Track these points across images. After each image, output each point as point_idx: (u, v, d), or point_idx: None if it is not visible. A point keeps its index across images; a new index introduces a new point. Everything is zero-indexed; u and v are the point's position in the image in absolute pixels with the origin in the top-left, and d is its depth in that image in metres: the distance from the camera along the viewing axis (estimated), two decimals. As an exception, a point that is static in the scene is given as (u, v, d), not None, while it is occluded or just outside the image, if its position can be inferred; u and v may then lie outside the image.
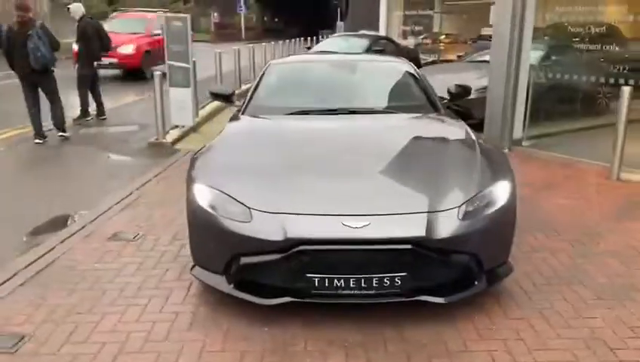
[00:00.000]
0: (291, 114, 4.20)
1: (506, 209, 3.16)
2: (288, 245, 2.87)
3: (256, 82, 4.70)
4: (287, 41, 20.13)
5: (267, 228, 2.93)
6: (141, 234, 4.38)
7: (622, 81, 8.65)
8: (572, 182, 5.78)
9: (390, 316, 3.09)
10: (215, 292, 3.31)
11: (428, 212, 2.95)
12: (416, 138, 3.81)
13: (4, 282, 3.57)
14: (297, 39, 22.58)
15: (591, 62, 9.71)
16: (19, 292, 3.45)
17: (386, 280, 2.89)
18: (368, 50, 12.34)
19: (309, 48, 14.05)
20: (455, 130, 3.87)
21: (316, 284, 2.91)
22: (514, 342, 2.90)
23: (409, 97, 4.52)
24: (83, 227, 4.55)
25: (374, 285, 2.90)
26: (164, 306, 3.28)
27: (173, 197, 5.26)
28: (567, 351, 2.81)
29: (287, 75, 4.91)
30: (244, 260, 3.04)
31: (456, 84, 4.70)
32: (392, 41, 13.81)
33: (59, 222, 4.89)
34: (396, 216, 2.94)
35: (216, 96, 4.83)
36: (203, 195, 3.21)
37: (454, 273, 3.07)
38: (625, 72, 9.16)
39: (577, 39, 10.55)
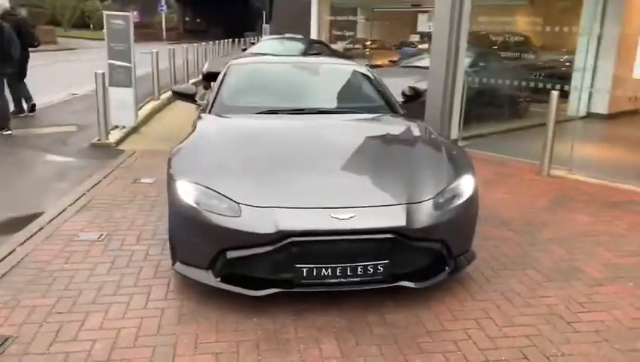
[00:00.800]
0: (260, 113, 4.31)
1: (470, 200, 3.45)
2: (279, 237, 2.99)
3: (219, 82, 4.76)
4: (218, 42, 19.96)
5: (258, 222, 3.04)
6: (105, 234, 4.32)
7: (539, 85, 9.46)
8: (508, 178, 6.26)
9: (370, 302, 3.29)
10: (196, 287, 3.38)
11: (406, 203, 3.18)
12: (386, 136, 4.06)
13: (-31, 286, 3.45)
14: (227, 40, 22.42)
15: (512, 68, 10.50)
16: (-14, 297, 3.34)
17: (369, 268, 3.09)
18: (304, 54, 12.54)
19: (244, 50, 14.05)
20: (418, 128, 4.15)
21: (304, 274, 3.06)
22: (484, 320, 3.19)
23: (370, 98, 4.76)
24: (41, 228, 4.43)
25: (359, 273, 3.09)
26: (148, 303, 3.30)
27: (127, 197, 5.23)
28: (531, 326, 3.13)
29: (250, 76, 5.00)
30: (231, 254, 3.13)
31: (409, 87, 5.00)
32: (326, 45, 14.14)
33: (13, 225, 4.70)
34: (378, 207, 3.15)
35: (179, 95, 4.84)
36: (187, 192, 3.26)
37: (428, 259, 3.32)
38: (540, 77, 9.99)
39: (499, 47, 11.36)
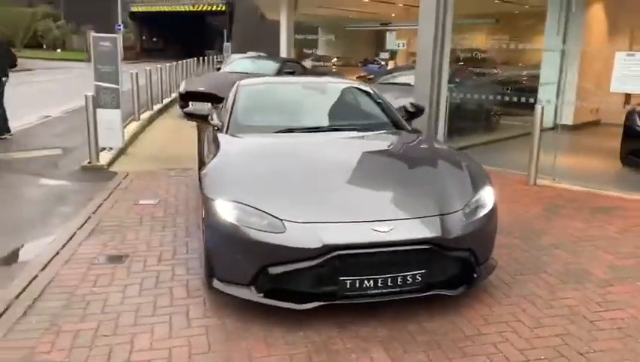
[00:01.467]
0: (278, 132, 4.43)
1: (493, 210, 3.66)
2: (324, 251, 3.11)
3: (231, 102, 4.83)
4: (184, 61, 19.90)
5: (302, 237, 3.15)
6: (125, 257, 4.32)
7: (510, 99, 9.93)
8: (499, 189, 6.48)
9: (405, 312, 3.43)
10: (234, 305, 3.45)
11: (440, 215, 3.36)
12: (406, 150, 4.25)
13: (2, 314, 3.41)
14: (192, 60, 22.37)
15: (483, 84, 10.97)
16: (25, 323, 3.31)
17: (408, 278, 3.24)
18: (280, 72, 12.71)
19: (218, 69, 14.09)
20: (433, 142, 4.35)
21: (348, 286, 3.18)
22: (514, 323, 3.38)
23: (378, 115, 4.95)
24: (57, 253, 4.38)
25: (398, 283, 3.24)
26: (190, 321, 3.34)
27: (135, 219, 5.23)
28: (559, 326, 3.34)
29: (260, 96, 5.11)
30: (273, 270, 3.22)
31: (411, 103, 5.22)
32: (299, 63, 14.34)
33: (25, 250, 4.64)
34: (415, 219, 3.31)
35: (192, 116, 4.91)
36: (227, 211, 3.34)
37: (458, 268, 3.50)
38: (509, 92, 10.48)
39: (471, 64, 11.86)
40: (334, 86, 5.55)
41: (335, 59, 20.20)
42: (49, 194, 6.22)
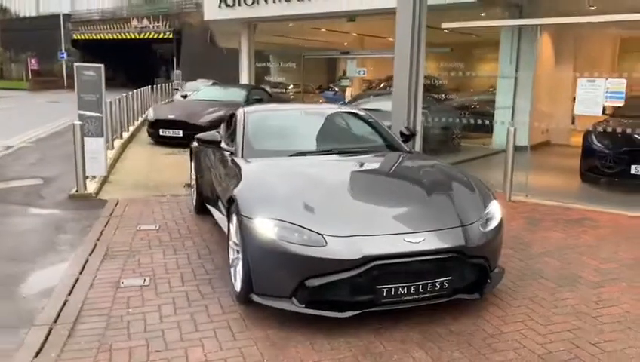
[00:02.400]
0: (293, 155, 4.70)
1: (501, 221, 4.06)
2: (363, 262, 3.40)
3: (241, 129, 5.04)
4: (144, 89, 19.79)
5: (343, 250, 3.43)
6: (148, 279, 4.44)
7: (466, 123, 10.62)
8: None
9: (430, 316, 3.73)
10: (272, 317, 3.67)
11: (462, 226, 3.72)
12: (419, 168, 4.62)
13: (47, 338, 3.48)
14: (150, 87, 22.24)
15: (446, 109, 11.64)
16: (74, 343, 3.40)
17: (437, 284, 3.56)
18: (248, 99, 12.98)
19: (184, 97, 14.20)
20: (437, 163, 4.74)
21: (384, 294, 3.47)
22: (529, 321, 3.75)
23: (379, 138, 5.31)
24: (77, 279, 4.45)
25: (429, 289, 3.55)
26: (235, 335, 3.53)
27: (143, 244, 5.34)
28: (567, 323, 3.74)
29: (268, 123, 5.36)
30: (313, 281, 3.47)
31: (406, 127, 5.63)
32: (265, 90, 14.65)
33: (41, 276, 4.67)
34: (442, 230, 3.65)
35: (205, 142, 5.09)
36: (268, 228, 3.57)
37: (475, 274, 3.85)
38: (468, 115, 11.19)
39: (433, 91, 12.57)
40: (334, 112, 5.89)
41: (292, 86, 20.63)
42: (45, 223, 6.18)
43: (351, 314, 3.46)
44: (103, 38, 51.96)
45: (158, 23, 49.30)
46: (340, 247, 3.44)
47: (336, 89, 24.81)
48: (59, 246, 5.42)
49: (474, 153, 11.49)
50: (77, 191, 7.27)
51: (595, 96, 6.73)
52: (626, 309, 3.96)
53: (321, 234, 3.49)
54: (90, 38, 52.68)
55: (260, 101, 13.29)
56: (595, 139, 8.16)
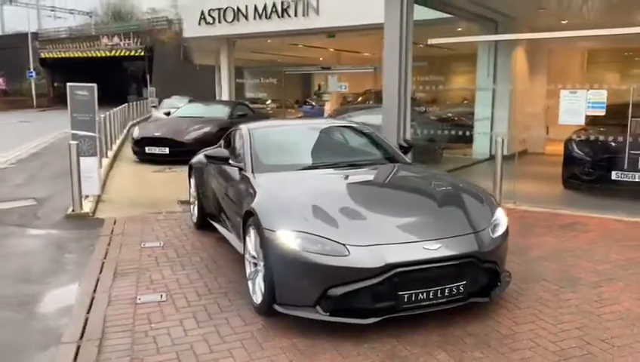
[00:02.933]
0: (304, 169, 4.84)
1: (507, 228, 4.26)
2: (386, 270, 3.54)
3: (248, 145, 5.15)
4: (122, 107, 19.69)
5: (366, 259, 3.57)
6: (164, 295, 4.50)
7: (447, 133, 11.00)
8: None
9: (444, 321, 3.89)
10: (295, 327, 3.78)
11: (475, 232, 3.91)
12: (427, 179, 4.80)
13: (76, 355, 3.52)
14: (127, 105, 22.13)
15: (429, 122, 11.96)
16: (105, 359, 3.46)
17: (454, 289, 3.73)
18: (232, 115, 13.09)
19: (167, 114, 14.21)
20: (443, 173, 4.94)
21: (405, 300, 3.62)
22: (539, 321, 3.94)
23: (381, 151, 5.49)
24: (93, 297, 4.48)
25: (446, 294, 3.72)
26: (261, 344, 3.62)
27: (150, 261, 5.39)
28: (575, 321, 3.94)
29: (273, 139, 5.47)
30: (335, 290, 3.60)
31: (405, 139, 5.84)
32: (248, 106, 14.77)
33: (54, 295, 4.69)
34: (457, 237, 3.83)
35: (213, 158, 5.19)
36: (291, 240, 3.70)
37: (487, 278, 4.03)
38: (448, 127, 11.55)
39: (414, 104, 12.87)
40: (335, 127, 6.06)
41: (269, 102, 20.81)
42: (47, 243, 6.17)
43: (374, 320, 3.60)
44: (72, 56, 51.29)
45: (129, 40, 49.00)
46: (363, 256, 3.59)
47: (313, 103, 25.09)
48: (66, 265, 5.42)
49: (456, 163, 11.79)
50: (73, 210, 7.25)
51: (578, 107, 7.06)
52: (626, 307, 4.19)
53: (344, 244, 3.63)
54: (59, 56, 51.97)
55: (243, 117, 13.42)
56: (575, 147, 8.52)
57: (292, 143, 5.44)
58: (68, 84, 7.80)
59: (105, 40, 49.64)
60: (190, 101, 20.61)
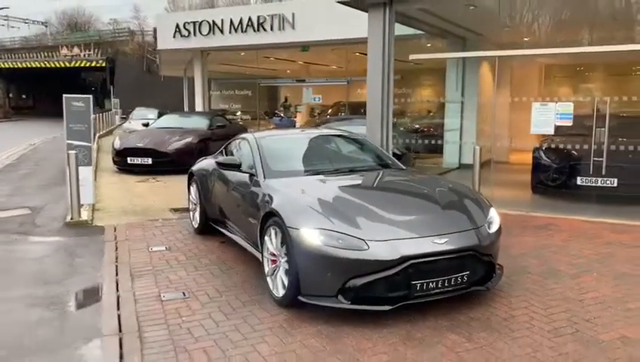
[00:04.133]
0: (311, 174, 5.25)
1: (500, 225, 4.78)
2: (401, 261, 3.99)
3: (257, 153, 5.50)
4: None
5: (384, 252, 4.01)
6: (187, 292, 4.81)
7: (420, 142, 11.61)
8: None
9: (447, 308, 4.35)
10: (318, 316, 4.17)
11: (474, 229, 4.40)
12: (426, 182, 5.29)
13: (121, 346, 3.82)
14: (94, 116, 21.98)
15: (402, 132, 12.55)
16: (149, 350, 3.76)
17: (458, 279, 4.21)
18: (211, 125, 13.38)
19: (146, 125, 14.35)
20: (435, 176, 5.44)
21: (418, 288, 4.07)
22: (531, 307, 4.46)
23: (381, 158, 5.96)
24: (119, 296, 4.76)
25: (452, 283, 4.19)
26: (289, 331, 4.00)
27: (163, 263, 5.68)
28: (561, 306, 4.47)
29: (279, 146, 5.86)
30: (355, 281, 4.02)
31: (398, 149, 6.33)
32: (225, 118, 15.06)
33: (83, 298, 4.93)
34: (460, 232, 4.32)
35: (226, 165, 5.54)
36: (314, 236, 4.10)
37: (484, 269, 4.52)
38: (420, 137, 12.17)
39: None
40: (334, 136, 6.50)
41: (239, 113, 21.09)
42: (55, 249, 6.34)
43: (391, 307, 4.03)
44: (29, 66, 50.16)
45: (89, 51, 48.36)
46: (381, 250, 4.02)
47: (282, 115, 25.53)
48: (81, 269, 5.64)
49: (429, 171, 12.39)
50: (72, 218, 7.43)
51: (548, 118, 7.72)
52: (603, 293, 4.76)
53: (363, 240, 4.06)
54: (15, 66, 50.77)
55: (222, 128, 13.73)
56: (543, 155, 9.22)
57: (297, 151, 5.85)
58: (64, 95, 7.98)
59: (64, 50, 48.82)
60: (160, 113, 20.68)
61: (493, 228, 4.62)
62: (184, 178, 7.53)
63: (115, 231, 7.06)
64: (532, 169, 9.43)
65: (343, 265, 4.02)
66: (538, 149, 9.38)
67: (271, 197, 4.75)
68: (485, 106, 13.24)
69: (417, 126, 13.97)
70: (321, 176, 5.28)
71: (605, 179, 8.29)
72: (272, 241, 4.57)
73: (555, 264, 5.58)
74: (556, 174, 9.01)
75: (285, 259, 4.35)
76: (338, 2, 8.73)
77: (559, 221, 7.44)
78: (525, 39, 12.90)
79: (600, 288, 4.89)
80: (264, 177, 5.22)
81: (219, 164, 5.59)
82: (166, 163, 11.97)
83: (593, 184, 8.41)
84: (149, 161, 11.92)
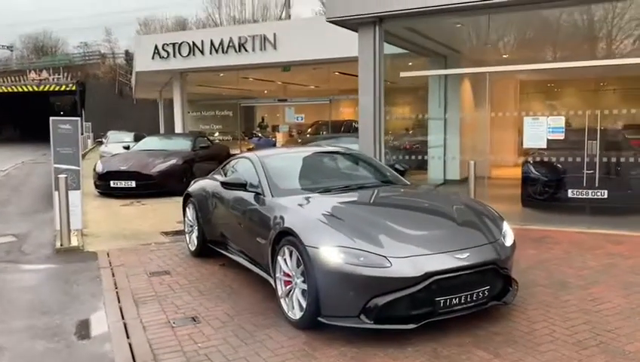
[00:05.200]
0: (320, 192, 5.16)
1: (514, 239, 4.76)
2: (425, 278, 3.92)
3: (262, 172, 5.38)
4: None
5: (407, 269, 3.93)
6: (196, 317, 4.64)
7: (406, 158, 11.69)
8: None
9: (467, 324, 4.28)
10: (338, 339, 4.05)
11: (492, 242, 4.37)
12: (435, 198, 5.25)
13: (136, 375, 3.64)
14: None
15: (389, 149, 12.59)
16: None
17: (480, 293, 4.16)
18: (194, 147, 13.20)
19: (127, 148, 14.07)
20: (443, 191, 5.41)
21: (441, 305, 4.00)
22: (550, 319, 4.42)
23: (385, 174, 5.91)
24: (125, 324, 4.56)
25: (474, 298, 4.13)
26: (312, 354, 3.87)
27: (165, 288, 5.51)
28: (580, 318, 4.45)
29: (284, 165, 5.76)
30: (377, 300, 3.93)
31: (400, 164, 6.30)
32: (208, 139, 14.89)
33: (87, 326, 4.72)
34: (480, 246, 4.28)
35: (231, 185, 5.40)
36: (335, 254, 4.01)
37: (502, 283, 4.48)
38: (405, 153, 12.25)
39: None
40: (336, 153, 6.43)
41: (217, 134, 20.93)
42: (48, 277, 6.09)
43: (416, 325, 3.94)
44: (-6, 91, 48.94)
45: (58, 75, 47.54)
46: (404, 267, 3.94)
47: (260, 135, 25.46)
48: (80, 296, 5.41)
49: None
50: (62, 245, 7.16)
51: (540, 132, 7.83)
52: (617, 303, 4.77)
53: (385, 257, 3.98)
54: (-19, 91, 49.47)
55: (205, 149, 13.57)
56: (532, 169, 9.33)
57: (302, 168, 5.76)
58: (51, 118, 7.75)
59: (32, 75, 47.89)
60: (137, 136, 20.36)
61: (509, 242, 4.60)
62: (170, 201, 7.42)
63: (108, 256, 6.83)
64: (522, 183, 9.52)
65: (366, 284, 3.93)
66: (526, 164, 9.49)
67: (282, 216, 4.64)
68: (467, 123, 13.43)
69: (402, 143, 14.05)
70: (331, 193, 5.20)
71: (596, 190, 8.41)
72: (285, 261, 4.45)
73: (563, 276, 5.59)
74: (545, 187, 9.11)
75: (302, 279, 4.24)
76: (328, 22, 8.76)
77: (554, 233, 7.50)
78: (504, 56, 13.18)
79: (613, 298, 4.90)
80: (272, 195, 5.11)
81: (224, 184, 5.47)
82: (150, 186, 11.71)
83: (583, 196, 8.52)
84: (133, 184, 11.65)
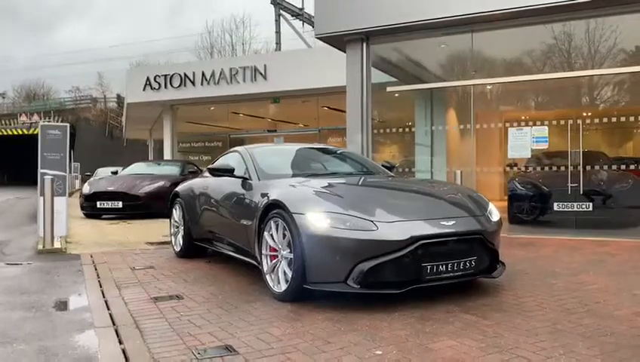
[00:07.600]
0: (309, 176, 5.17)
1: (500, 218, 4.77)
2: (410, 242, 3.90)
3: (249, 160, 5.40)
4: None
5: (392, 233, 3.92)
6: (180, 296, 4.55)
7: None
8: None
9: (456, 295, 4.25)
10: (324, 307, 3.99)
11: (478, 215, 4.38)
12: (421, 182, 5.28)
13: (117, 334, 3.53)
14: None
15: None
16: (150, 335, 3.50)
17: (467, 263, 4.13)
18: (183, 171, 13.21)
19: (115, 173, 14.01)
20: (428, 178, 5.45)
21: (428, 271, 3.97)
22: (539, 295, 4.39)
23: (370, 166, 5.97)
24: (106, 301, 4.45)
25: (461, 267, 4.11)
26: (299, 319, 3.79)
27: (149, 278, 5.43)
28: (570, 295, 4.42)
29: (271, 154, 5.80)
30: (363, 265, 3.89)
31: (387, 161, 6.36)
32: (197, 166, 14.92)
33: (69, 302, 4.58)
34: (466, 217, 4.29)
35: (218, 171, 5.41)
36: (321, 219, 3.99)
37: (489, 258, 4.46)
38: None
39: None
40: (328, 149, 6.53)
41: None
42: (30, 270, 5.93)
43: (404, 289, 3.89)
44: (-16, 135, 48.91)
45: (49, 118, 47.75)
46: (390, 230, 3.93)
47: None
48: (61, 283, 5.28)
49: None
50: (44, 247, 7.04)
51: (524, 142, 7.97)
52: (604, 285, 4.76)
53: (372, 221, 3.97)
54: (-32, 135, 49.41)
55: (194, 173, 13.55)
56: (518, 185, 9.41)
57: (291, 159, 5.79)
58: (40, 123, 7.77)
59: (23, 118, 48.09)
60: (156, 161, 20.28)
61: (495, 218, 4.62)
62: (156, 221, 7.35)
63: (91, 257, 6.71)
64: (508, 200, 9.56)
65: (352, 248, 3.90)
66: (512, 181, 9.59)
67: (269, 193, 4.62)
68: (452, 136, 13.59)
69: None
70: (319, 178, 5.21)
71: (580, 203, 8.48)
72: (272, 236, 4.42)
73: (552, 267, 5.58)
74: (533, 202, 9.17)
75: (288, 250, 4.20)
76: (317, 38, 9.01)
77: (542, 240, 7.52)
78: (473, 73, 13.48)
79: (600, 282, 4.89)
80: (258, 179, 5.12)
81: (211, 170, 5.47)
82: (137, 206, 11.63)
83: (569, 209, 8.58)
84: (120, 204, 11.58)
